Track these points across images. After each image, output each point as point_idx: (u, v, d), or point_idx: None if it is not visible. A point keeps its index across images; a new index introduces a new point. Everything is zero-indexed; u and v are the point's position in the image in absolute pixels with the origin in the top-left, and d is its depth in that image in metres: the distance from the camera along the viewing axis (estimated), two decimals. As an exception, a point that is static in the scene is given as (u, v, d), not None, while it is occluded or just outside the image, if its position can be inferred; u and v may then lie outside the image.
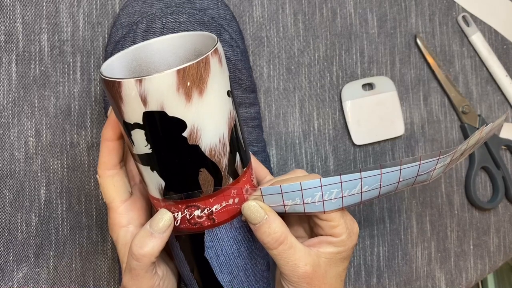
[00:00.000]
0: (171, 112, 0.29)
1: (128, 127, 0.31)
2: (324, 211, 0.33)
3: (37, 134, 0.44)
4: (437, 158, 0.32)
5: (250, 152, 0.39)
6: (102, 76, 0.30)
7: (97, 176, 0.35)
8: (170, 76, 0.28)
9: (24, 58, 0.44)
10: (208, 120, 0.30)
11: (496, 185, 0.51)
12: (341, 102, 0.49)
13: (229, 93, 0.32)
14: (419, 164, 0.32)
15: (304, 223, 0.37)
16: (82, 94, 0.45)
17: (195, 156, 0.30)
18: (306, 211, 0.33)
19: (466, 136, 0.51)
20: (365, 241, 0.49)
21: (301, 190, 0.32)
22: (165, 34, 0.40)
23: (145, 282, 0.33)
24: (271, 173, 0.46)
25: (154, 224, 0.32)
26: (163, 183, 0.32)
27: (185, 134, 0.30)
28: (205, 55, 0.29)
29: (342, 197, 0.33)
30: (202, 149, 0.30)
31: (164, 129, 0.30)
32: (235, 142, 0.32)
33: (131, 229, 0.34)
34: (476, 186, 0.51)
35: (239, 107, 0.44)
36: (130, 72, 0.35)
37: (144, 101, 0.29)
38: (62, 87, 0.45)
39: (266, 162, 0.46)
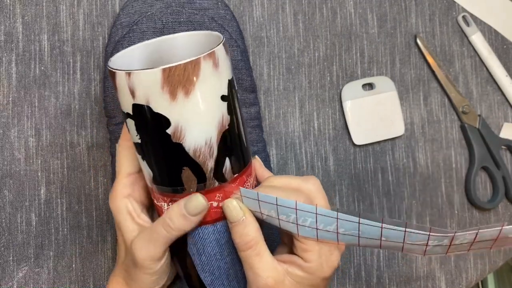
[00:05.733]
0: (155, 108, 0.30)
1: (124, 116, 0.32)
2: (298, 234, 0.32)
3: (37, 134, 0.44)
4: (428, 234, 0.29)
5: (258, 158, 0.38)
6: (107, 65, 0.31)
7: (116, 144, 0.36)
8: (155, 74, 0.29)
9: (24, 58, 0.44)
10: (194, 121, 0.30)
11: (496, 185, 0.51)
12: (341, 102, 0.49)
13: (224, 98, 0.31)
14: (405, 231, 0.30)
15: None
16: (82, 94, 0.45)
17: (178, 154, 0.31)
18: (281, 227, 0.32)
19: (466, 136, 0.51)
20: (365, 241, 0.49)
21: (276, 205, 0.31)
22: (165, 34, 0.40)
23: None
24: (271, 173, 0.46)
25: (189, 208, 0.32)
26: (151, 173, 0.33)
27: (169, 131, 0.30)
28: (196, 58, 0.29)
29: (317, 229, 0.31)
30: (186, 149, 0.31)
31: (149, 123, 0.30)
32: (226, 147, 0.32)
33: (131, 201, 0.35)
34: (476, 186, 0.51)
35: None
36: (149, 62, 0.35)
37: (133, 93, 0.30)
38: (62, 87, 0.45)
39: (266, 162, 0.46)
